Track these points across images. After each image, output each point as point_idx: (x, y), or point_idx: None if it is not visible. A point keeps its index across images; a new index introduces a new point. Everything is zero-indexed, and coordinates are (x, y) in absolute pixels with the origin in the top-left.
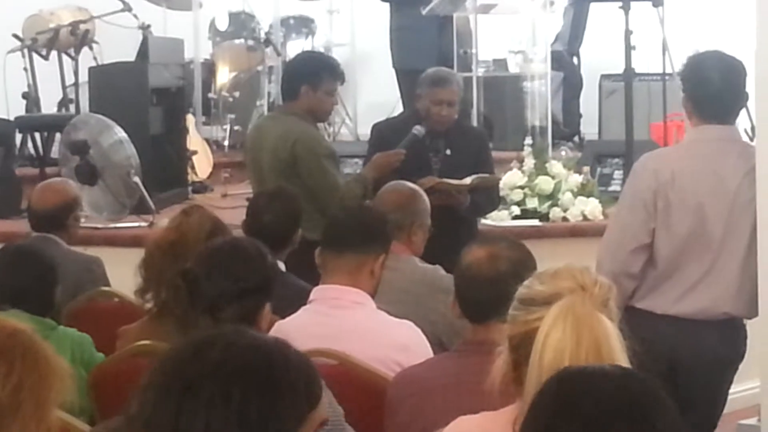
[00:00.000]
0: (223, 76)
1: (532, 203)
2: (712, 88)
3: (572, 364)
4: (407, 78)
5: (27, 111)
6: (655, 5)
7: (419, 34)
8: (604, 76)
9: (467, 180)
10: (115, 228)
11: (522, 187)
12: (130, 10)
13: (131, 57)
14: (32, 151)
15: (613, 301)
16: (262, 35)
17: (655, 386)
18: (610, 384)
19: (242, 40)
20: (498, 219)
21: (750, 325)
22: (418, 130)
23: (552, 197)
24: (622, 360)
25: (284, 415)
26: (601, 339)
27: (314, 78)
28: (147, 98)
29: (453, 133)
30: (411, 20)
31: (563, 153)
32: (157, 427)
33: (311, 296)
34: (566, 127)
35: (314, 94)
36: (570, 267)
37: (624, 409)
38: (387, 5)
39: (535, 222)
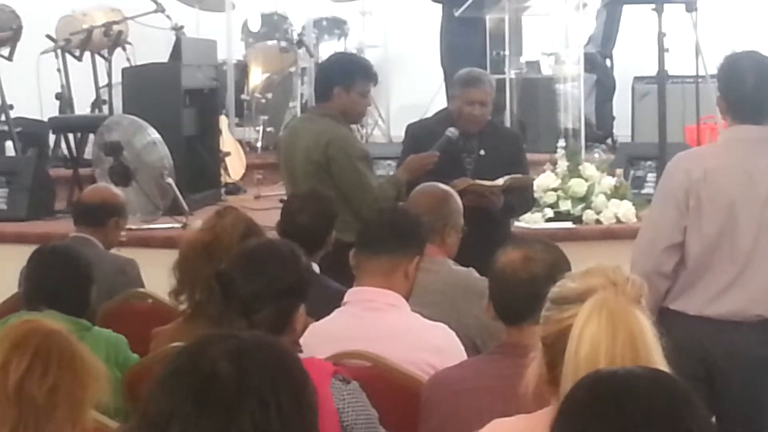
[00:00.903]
0: (256, 77)
1: (566, 206)
2: (747, 88)
3: (608, 359)
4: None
5: (60, 112)
6: (689, 10)
7: (465, 36)
8: (637, 79)
9: (500, 181)
10: (149, 229)
11: (555, 190)
12: (163, 11)
13: (164, 58)
14: (66, 152)
15: (645, 299)
16: (295, 36)
17: (685, 388)
18: (642, 386)
19: (275, 42)
20: (531, 221)
21: None
22: (451, 132)
23: (585, 200)
24: (658, 355)
25: (311, 404)
26: (636, 333)
27: (347, 79)
28: (180, 99)
29: (486, 133)
30: (457, 21)
31: (596, 155)
32: None
33: (345, 298)
34: (599, 130)
35: (347, 96)
36: (601, 265)
37: (657, 412)
38: (423, 6)
39: (569, 224)
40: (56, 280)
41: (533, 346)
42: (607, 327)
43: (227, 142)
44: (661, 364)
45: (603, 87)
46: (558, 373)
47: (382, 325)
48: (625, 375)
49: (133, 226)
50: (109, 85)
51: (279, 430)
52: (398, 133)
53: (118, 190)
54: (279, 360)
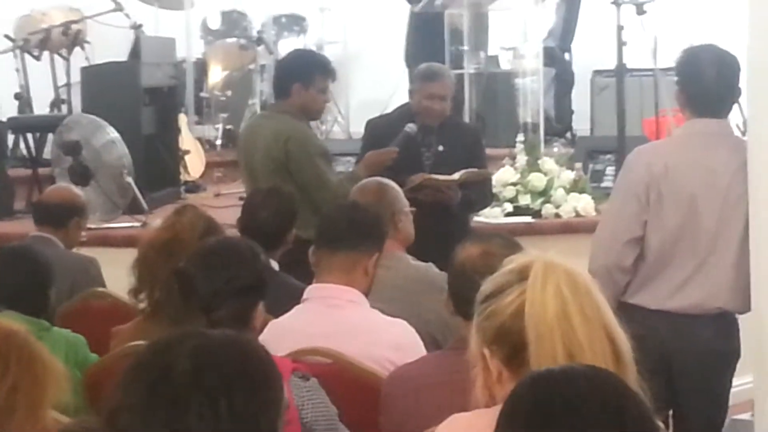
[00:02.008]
0: (216, 75)
1: (525, 200)
2: (707, 81)
3: (577, 309)
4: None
5: (19, 112)
6: (639, 13)
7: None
8: (596, 72)
9: (456, 175)
10: (108, 228)
11: (514, 184)
12: (121, 9)
13: (123, 57)
14: (25, 152)
15: None
16: (254, 34)
17: (622, 380)
18: (581, 382)
19: (234, 39)
20: (491, 216)
21: (743, 320)
22: (410, 127)
23: (544, 194)
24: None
25: (270, 406)
26: (590, 284)
27: (306, 76)
28: (139, 98)
29: (446, 128)
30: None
31: (555, 149)
32: None
33: (305, 295)
34: (558, 124)
35: (306, 93)
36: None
37: (599, 406)
38: (382, 2)
39: (528, 219)
40: (15, 280)
41: None
42: (566, 280)
43: (187, 140)
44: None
45: (562, 81)
46: (525, 356)
47: (342, 322)
48: (564, 372)
49: (93, 225)
50: (68, 85)
51: (229, 430)
52: (358, 130)
53: (78, 191)
54: (239, 359)
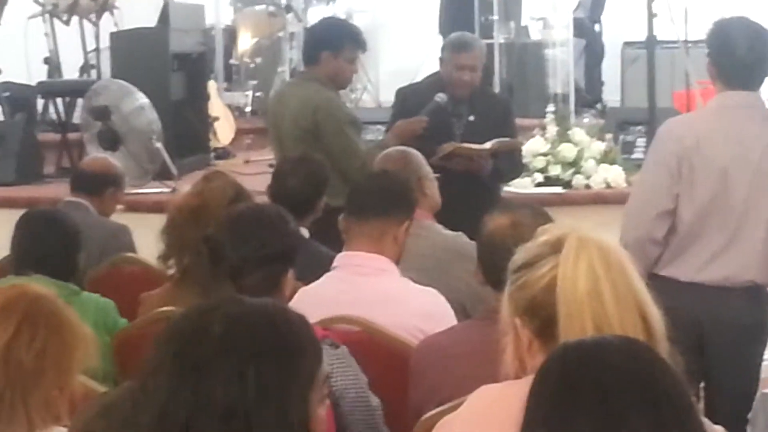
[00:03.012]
0: (245, 42)
1: (555, 170)
2: (739, 54)
3: (609, 285)
4: None
5: (49, 76)
6: None
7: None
8: (626, 44)
9: (487, 144)
10: (138, 194)
11: (545, 155)
12: None
13: (152, 23)
14: (54, 116)
15: None
16: (284, 1)
17: (656, 352)
18: (613, 353)
19: (263, 6)
20: (520, 186)
21: None
22: (440, 97)
23: (575, 164)
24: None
25: (300, 377)
26: (624, 260)
27: (335, 45)
28: (168, 64)
29: (476, 98)
30: None
31: (586, 120)
32: (175, 412)
33: (335, 263)
34: (588, 95)
35: (335, 61)
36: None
37: (631, 378)
38: None
39: (558, 189)
40: (44, 244)
41: None
42: (599, 256)
43: (216, 106)
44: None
45: (592, 52)
46: (556, 330)
47: (372, 290)
48: (597, 343)
49: None
50: (97, 50)
51: (253, 399)
52: (387, 98)
53: (115, 162)
54: (272, 327)
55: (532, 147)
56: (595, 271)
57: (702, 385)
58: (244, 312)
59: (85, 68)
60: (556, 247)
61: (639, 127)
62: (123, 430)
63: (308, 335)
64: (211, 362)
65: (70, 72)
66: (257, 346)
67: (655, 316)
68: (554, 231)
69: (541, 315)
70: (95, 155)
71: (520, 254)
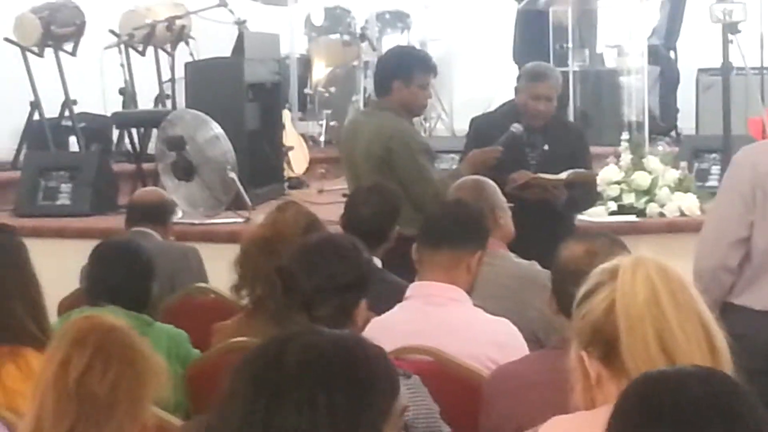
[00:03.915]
0: (319, 71)
1: (629, 199)
2: None
3: (668, 297)
4: None
5: (124, 107)
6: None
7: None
8: (701, 71)
9: (563, 175)
10: (212, 224)
11: (619, 183)
12: (225, 5)
13: (227, 52)
14: (129, 146)
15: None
16: (358, 30)
17: (739, 383)
18: (695, 384)
19: (338, 35)
20: (595, 215)
21: None
22: (516, 127)
23: (649, 192)
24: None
25: (372, 409)
26: (683, 277)
27: (406, 72)
28: (243, 94)
29: (551, 128)
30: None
31: (660, 148)
32: None
33: (407, 292)
34: (663, 122)
35: (407, 89)
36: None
37: (713, 410)
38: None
39: (632, 218)
40: (117, 275)
41: None
42: (657, 270)
43: (290, 136)
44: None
45: (667, 79)
46: (620, 350)
47: (444, 320)
48: (677, 373)
49: (196, 221)
50: (172, 80)
51: (323, 427)
52: (461, 127)
53: (161, 189)
54: (346, 358)
55: (607, 175)
56: (652, 280)
57: None
58: (320, 341)
59: (160, 98)
60: (614, 273)
61: (714, 155)
62: None
63: (384, 367)
64: (284, 389)
65: (145, 102)
66: (330, 375)
67: (716, 327)
68: (614, 260)
69: (603, 339)
70: (144, 188)
71: (582, 288)
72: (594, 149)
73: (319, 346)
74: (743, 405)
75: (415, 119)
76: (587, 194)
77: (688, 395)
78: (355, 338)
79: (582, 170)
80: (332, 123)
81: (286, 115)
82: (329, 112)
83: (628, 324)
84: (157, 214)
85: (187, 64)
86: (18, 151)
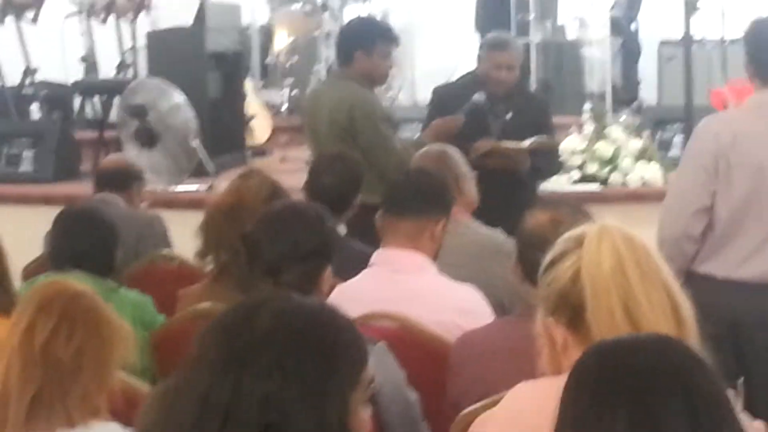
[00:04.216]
0: (281, 41)
1: (592, 168)
2: None
3: (633, 265)
4: None
5: (85, 75)
6: None
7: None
8: (663, 42)
9: (526, 143)
10: (175, 191)
11: (582, 152)
12: None
13: (189, 22)
14: (91, 115)
15: None
16: (320, 0)
17: (694, 351)
18: (648, 349)
19: (299, 5)
20: (557, 184)
21: None
22: (478, 97)
23: (612, 162)
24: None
25: (340, 376)
26: (648, 246)
27: (367, 43)
28: (205, 63)
29: (514, 97)
30: None
31: (622, 119)
32: (215, 403)
33: (371, 260)
34: (625, 93)
35: (369, 59)
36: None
37: (670, 379)
38: None
39: (595, 187)
40: (82, 241)
41: None
42: (622, 239)
43: (252, 105)
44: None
45: (628, 51)
46: (586, 318)
47: (409, 287)
48: (633, 341)
49: (159, 188)
50: (134, 49)
51: (291, 392)
52: (424, 97)
53: (131, 160)
54: (317, 324)
55: (569, 145)
56: (618, 249)
57: (741, 380)
58: (290, 307)
59: (121, 67)
60: (579, 241)
61: (676, 125)
62: (166, 419)
63: (354, 336)
64: (253, 353)
65: (107, 71)
66: (300, 340)
67: (681, 295)
68: (580, 229)
69: (569, 305)
70: (111, 155)
71: (547, 256)
72: (556, 119)
73: (289, 311)
74: (700, 373)
75: (378, 88)
76: (550, 162)
77: (644, 363)
78: (326, 306)
79: (545, 138)
80: (294, 92)
81: (248, 84)
82: (291, 81)
83: (594, 292)
84: (122, 180)
85: (148, 33)
86: None
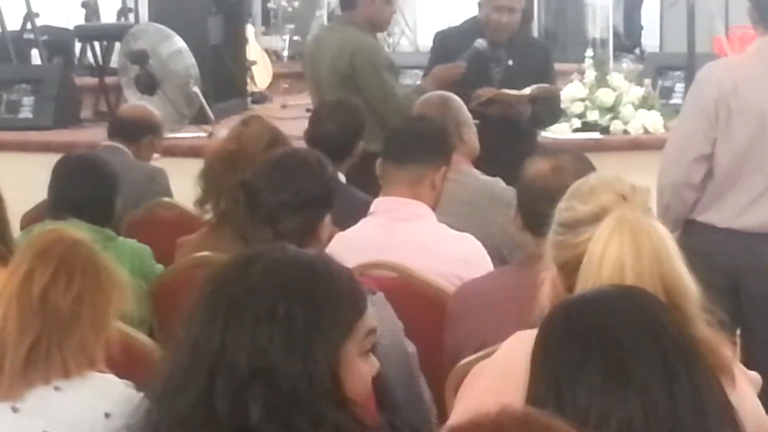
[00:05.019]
0: None
1: (593, 116)
2: None
3: (635, 276)
4: None
5: (86, 20)
6: None
7: None
8: None
9: (526, 90)
10: (175, 138)
11: (583, 100)
12: None
13: None
14: (91, 60)
15: (653, 205)
16: None
17: (659, 299)
18: (614, 302)
19: None
20: (558, 131)
21: None
22: (480, 43)
23: (613, 110)
24: (682, 265)
25: (329, 327)
26: (660, 246)
27: None
28: (206, 7)
29: (515, 44)
30: None
31: (624, 65)
32: (205, 346)
33: (371, 208)
34: (627, 40)
35: (372, 4)
36: (604, 179)
37: (638, 326)
38: None
39: (596, 135)
40: (81, 189)
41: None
42: (630, 245)
43: (253, 50)
44: (686, 274)
45: None
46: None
47: (408, 236)
48: (597, 293)
49: None
50: None
51: (279, 339)
52: (425, 43)
53: (156, 111)
54: (310, 273)
55: (570, 92)
56: (621, 259)
57: (738, 331)
58: (285, 257)
59: (122, 12)
60: (599, 216)
61: (678, 73)
62: (163, 367)
63: (349, 286)
64: (243, 301)
65: (108, 16)
66: (291, 287)
67: (684, 291)
68: (598, 197)
69: (571, 277)
70: (134, 103)
71: (566, 212)
72: (558, 66)
73: (283, 261)
74: (667, 318)
75: (379, 35)
76: (551, 110)
77: (611, 315)
78: (321, 256)
79: (546, 85)
80: (296, 38)
81: (250, 30)
82: (292, 26)
83: (587, 285)
84: (132, 131)
85: None
86: None
